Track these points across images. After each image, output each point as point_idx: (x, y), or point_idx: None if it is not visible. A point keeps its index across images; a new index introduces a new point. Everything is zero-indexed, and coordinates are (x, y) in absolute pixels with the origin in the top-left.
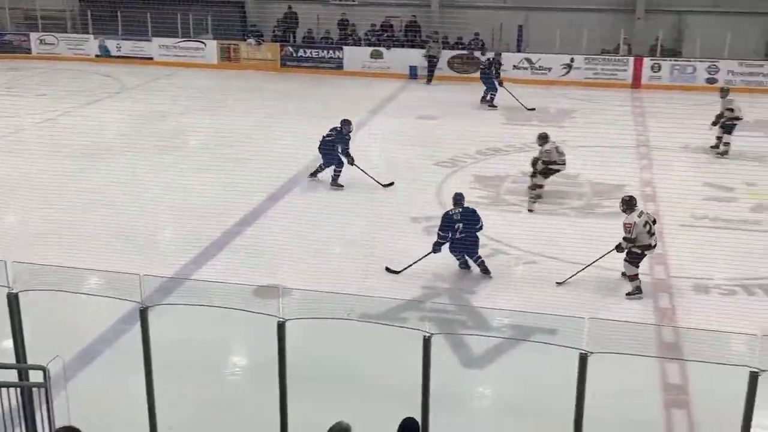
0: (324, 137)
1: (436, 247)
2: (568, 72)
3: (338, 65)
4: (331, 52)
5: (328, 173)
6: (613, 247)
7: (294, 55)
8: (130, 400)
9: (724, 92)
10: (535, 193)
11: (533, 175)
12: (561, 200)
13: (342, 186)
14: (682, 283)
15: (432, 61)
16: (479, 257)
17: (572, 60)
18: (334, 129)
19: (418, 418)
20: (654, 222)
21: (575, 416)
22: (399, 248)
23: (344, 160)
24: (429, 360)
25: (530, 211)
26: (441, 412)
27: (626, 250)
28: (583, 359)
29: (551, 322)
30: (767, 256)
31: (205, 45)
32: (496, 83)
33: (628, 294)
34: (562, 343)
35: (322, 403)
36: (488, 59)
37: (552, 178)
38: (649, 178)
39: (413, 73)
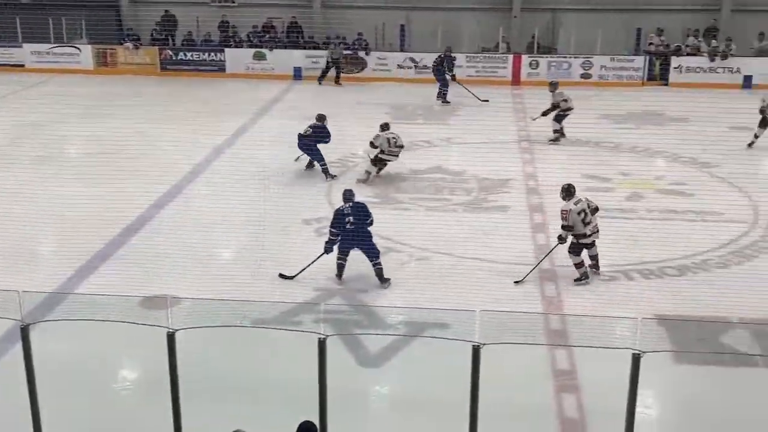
0: (300, 135)
1: (328, 246)
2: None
3: (220, 68)
4: (212, 54)
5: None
6: (557, 240)
7: (174, 58)
8: (16, 423)
9: (553, 86)
10: (363, 178)
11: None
12: (449, 197)
13: (335, 176)
14: (566, 271)
15: (336, 63)
16: (378, 263)
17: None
18: (311, 126)
19: (316, 421)
20: (594, 211)
21: (470, 407)
22: (291, 251)
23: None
24: (325, 362)
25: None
26: (339, 413)
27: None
28: (476, 351)
29: (444, 317)
30: (643, 243)
31: (80, 50)
32: (449, 78)
33: (575, 280)
34: (455, 337)
35: (218, 413)
36: (440, 56)
37: (438, 174)
38: (532, 172)
39: (298, 74)
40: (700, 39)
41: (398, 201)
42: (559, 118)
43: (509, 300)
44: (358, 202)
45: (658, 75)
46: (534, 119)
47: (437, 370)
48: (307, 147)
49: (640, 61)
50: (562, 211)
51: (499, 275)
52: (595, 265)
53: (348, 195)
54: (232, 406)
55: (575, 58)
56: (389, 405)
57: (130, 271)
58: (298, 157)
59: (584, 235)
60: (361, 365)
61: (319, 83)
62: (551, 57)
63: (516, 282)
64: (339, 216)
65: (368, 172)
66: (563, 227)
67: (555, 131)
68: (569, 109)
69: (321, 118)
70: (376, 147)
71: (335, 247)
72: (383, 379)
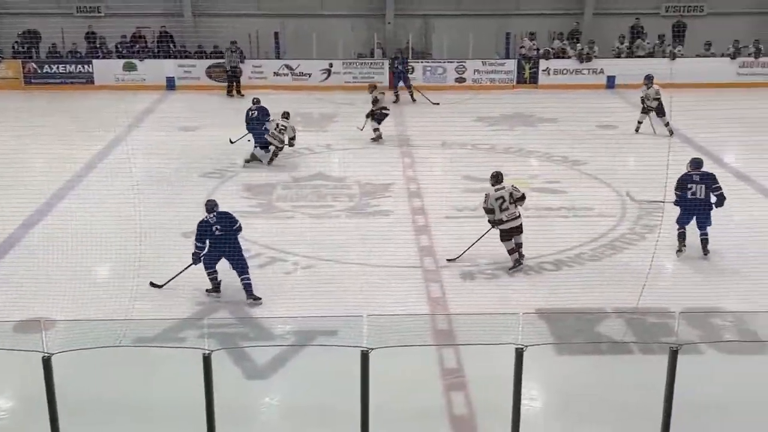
0: (248, 111)
1: (195, 258)
2: (328, 77)
3: (88, 79)
4: (79, 66)
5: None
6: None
7: (39, 71)
8: None
9: (371, 88)
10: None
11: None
12: (332, 203)
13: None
14: (450, 271)
15: (234, 72)
16: (247, 278)
17: (331, 65)
18: (257, 108)
19: None
20: (519, 200)
21: (362, 413)
22: (170, 265)
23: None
24: (210, 377)
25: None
26: (228, 427)
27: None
28: (365, 356)
29: (332, 324)
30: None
31: None
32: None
33: (510, 269)
34: (343, 344)
35: None
36: (393, 58)
37: (319, 181)
38: (413, 175)
39: (171, 84)
40: (565, 42)
41: (281, 209)
42: (379, 118)
43: (396, 304)
44: (222, 211)
45: (528, 78)
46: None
47: (327, 377)
48: (254, 129)
49: (511, 64)
50: (485, 194)
51: (385, 279)
52: (521, 255)
53: (210, 206)
54: (116, 428)
55: (449, 62)
56: (279, 416)
57: (1, 295)
58: (238, 139)
59: (501, 221)
60: (248, 378)
61: (238, 94)
62: (426, 62)
63: (449, 260)
64: (203, 226)
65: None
66: (484, 209)
67: (374, 128)
68: (385, 108)
69: (257, 101)
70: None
71: (203, 262)
72: (272, 390)
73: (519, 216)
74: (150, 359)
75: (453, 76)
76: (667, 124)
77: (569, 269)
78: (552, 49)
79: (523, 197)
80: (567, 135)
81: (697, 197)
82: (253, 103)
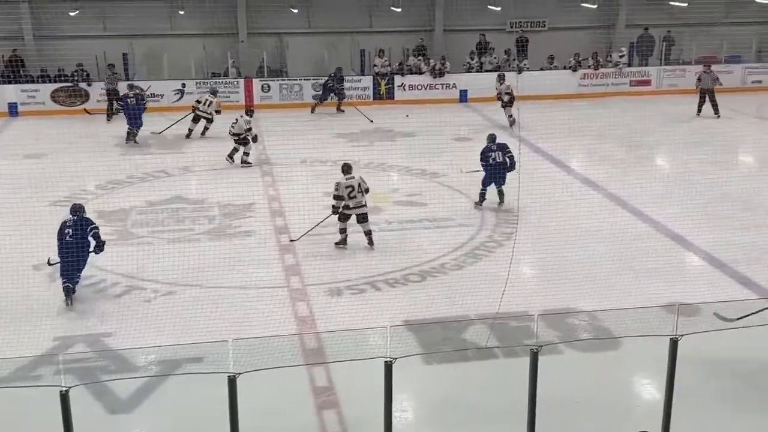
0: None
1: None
2: (181, 97)
3: None
4: None
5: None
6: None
7: None
8: None
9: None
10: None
11: None
12: (191, 226)
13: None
14: (317, 289)
15: (110, 94)
16: (67, 283)
17: (183, 85)
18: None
19: None
20: (365, 191)
21: None
22: (20, 299)
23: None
24: (69, 415)
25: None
26: None
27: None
28: (232, 381)
29: (197, 351)
30: (386, 253)
31: None
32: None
33: (336, 243)
34: (209, 370)
35: None
36: (331, 75)
37: (177, 205)
38: (274, 194)
39: (13, 110)
40: (419, 58)
41: (137, 236)
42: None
43: (262, 326)
44: (83, 217)
45: (385, 93)
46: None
47: (195, 405)
48: (133, 113)
49: (367, 80)
50: (336, 183)
51: (251, 301)
52: (370, 241)
53: (74, 209)
54: None
55: (305, 80)
56: None
57: None
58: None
59: (347, 206)
60: (112, 413)
61: (108, 119)
62: (282, 80)
63: (292, 240)
64: (61, 228)
65: None
66: (333, 196)
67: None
68: (208, 120)
69: (132, 87)
70: None
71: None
72: (138, 423)
73: (365, 205)
74: (3, 401)
75: (311, 93)
76: (510, 116)
77: (434, 279)
78: (408, 65)
79: (368, 190)
80: (425, 148)
81: (497, 162)
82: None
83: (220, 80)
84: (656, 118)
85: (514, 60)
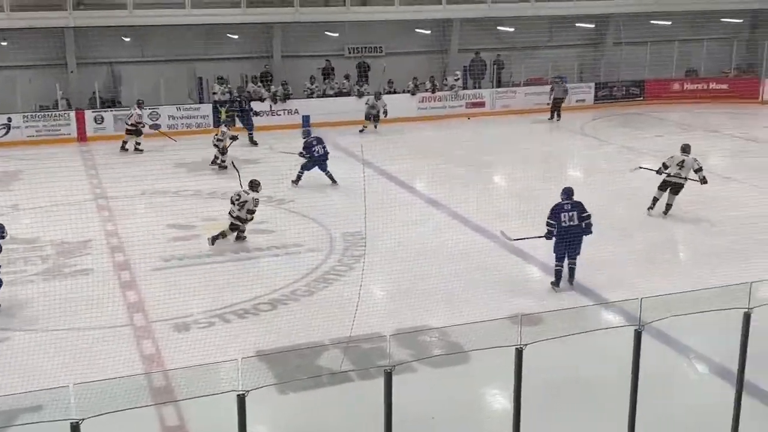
0: None
1: None
2: (7, 132)
3: None
4: None
5: None
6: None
7: None
8: None
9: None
10: None
11: None
12: (24, 267)
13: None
14: (163, 326)
15: None
16: None
17: (10, 119)
18: None
19: None
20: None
21: None
22: None
23: None
24: None
25: None
26: None
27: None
28: (75, 428)
29: (36, 399)
30: (234, 283)
31: None
32: (252, 121)
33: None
34: (50, 419)
35: None
36: (236, 100)
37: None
38: (113, 230)
39: None
40: (259, 84)
41: None
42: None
43: (106, 368)
44: None
45: (225, 121)
46: None
47: None
48: None
49: (206, 108)
50: (253, 199)
51: (92, 342)
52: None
53: None
54: None
55: (143, 109)
56: None
57: None
58: None
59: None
60: None
61: None
62: (116, 110)
63: (210, 240)
64: None
65: None
66: (247, 211)
67: None
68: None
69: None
70: None
71: None
72: None
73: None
74: None
75: (148, 123)
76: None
77: (285, 307)
78: (248, 92)
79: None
80: (271, 175)
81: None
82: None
83: (49, 113)
84: (493, 137)
85: (355, 85)
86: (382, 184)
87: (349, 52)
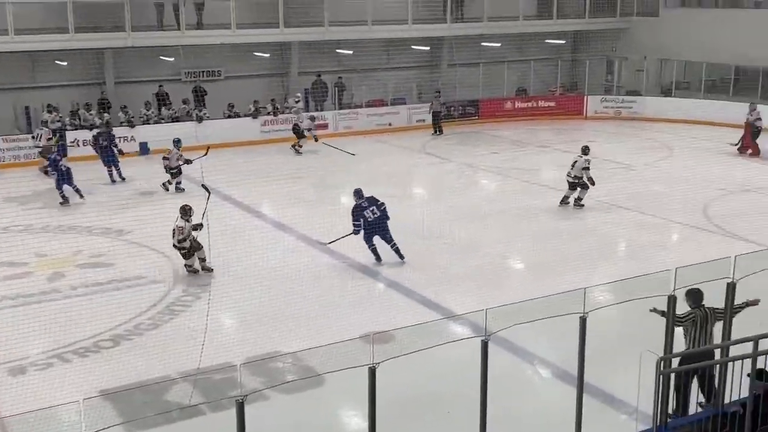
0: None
1: None
2: None
3: None
4: None
5: None
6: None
7: None
8: None
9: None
10: None
11: None
12: None
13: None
14: None
15: None
16: None
17: None
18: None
19: None
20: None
21: None
22: None
23: None
24: None
25: None
26: None
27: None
28: None
29: None
30: (74, 321)
31: None
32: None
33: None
34: None
35: None
36: (99, 133)
37: None
38: None
39: None
40: (92, 112)
41: None
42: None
43: None
44: None
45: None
46: None
47: None
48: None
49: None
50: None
51: None
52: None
53: None
54: None
55: None
56: None
57: None
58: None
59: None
60: None
61: None
62: None
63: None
64: None
65: None
66: (181, 239)
67: None
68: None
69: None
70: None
71: None
72: None
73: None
74: None
75: None
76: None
77: (129, 342)
78: (80, 119)
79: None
80: (105, 206)
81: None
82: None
83: None
84: (337, 158)
85: (193, 109)
86: (226, 210)
87: (186, 77)
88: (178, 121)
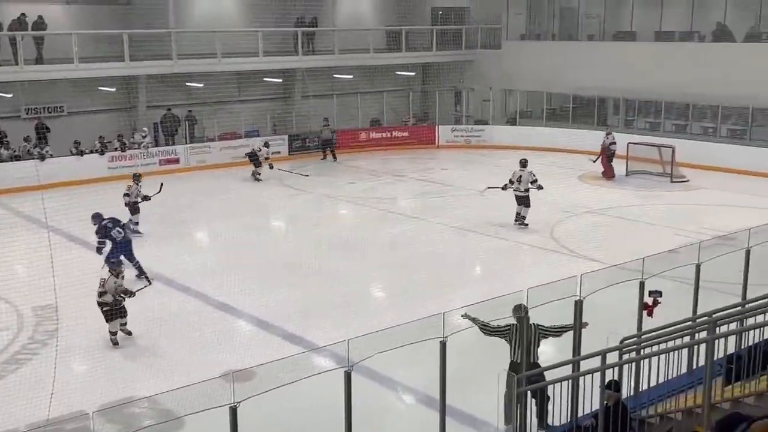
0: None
1: None
2: None
3: None
4: None
5: None
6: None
7: None
8: None
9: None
10: None
11: None
12: None
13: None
14: None
15: None
16: None
17: None
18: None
19: None
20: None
21: None
22: None
23: None
24: None
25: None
26: None
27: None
28: None
29: None
30: None
31: None
32: None
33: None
34: None
35: None
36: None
37: None
38: None
39: None
40: None
41: None
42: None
43: None
44: None
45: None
46: None
47: None
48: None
49: None
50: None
51: None
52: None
53: None
54: None
55: None
56: None
57: None
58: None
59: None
60: None
61: None
62: None
63: None
64: None
65: None
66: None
67: None
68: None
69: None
70: None
71: None
72: None
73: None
74: None
75: None
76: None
77: None
78: None
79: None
80: None
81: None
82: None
83: None
84: (191, 193)
85: (35, 147)
86: (75, 251)
87: (27, 113)
88: (18, 159)
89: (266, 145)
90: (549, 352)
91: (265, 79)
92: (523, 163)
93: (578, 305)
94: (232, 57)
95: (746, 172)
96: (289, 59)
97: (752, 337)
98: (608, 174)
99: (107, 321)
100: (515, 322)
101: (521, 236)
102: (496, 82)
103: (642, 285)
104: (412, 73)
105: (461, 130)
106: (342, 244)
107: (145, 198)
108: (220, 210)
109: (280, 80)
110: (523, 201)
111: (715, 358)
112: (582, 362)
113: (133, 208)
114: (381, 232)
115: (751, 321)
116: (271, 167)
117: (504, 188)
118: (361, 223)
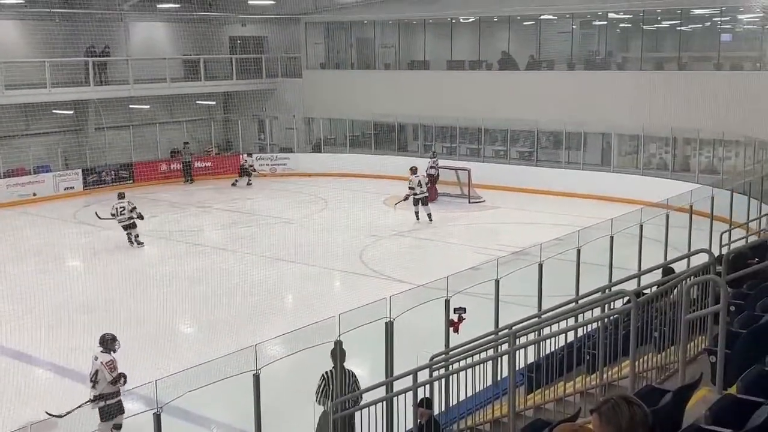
0: None
1: None
2: None
3: None
4: None
5: None
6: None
7: None
8: None
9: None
10: None
11: None
12: None
13: None
14: None
15: None
16: None
17: None
18: None
19: None
20: None
21: None
22: None
23: None
24: None
25: None
26: None
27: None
28: None
29: None
30: None
31: None
32: None
33: None
34: None
35: None
36: None
37: None
38: None
39: None
40: None
41: None
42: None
43: None
44: None
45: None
46: None
47: None
48: None
49: None
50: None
51: None
52: None
53: None
54: None
55: None
56: None
57: None
58: None
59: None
60: None
61: None
62: None
63: None
64: None
65: None
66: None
67: None
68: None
69: None
70: None
71: None
72: None
73: None
74: None
75: None
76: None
77: None
78: None
79: None
80: None
81: None
82: None
83: None
84: None
85: None
86: None
87: None
88: None
89: (249, 155)
90: (362, 375)
91: (54, 111)
92: (414, 170)
93: (389, 326)
94: (17, 89)
95: (535, 191)
96: (79, 90)
97: (549, 346)
98: (431, 196)
99: (101, 419)
100: (329, 370)
101: (331, 262)
102: (298, 109)
103: (447, 303)
104: (213, 102)
105: (266, 158)
106: (147, 281)
107: (140, 216)
108: (13, 251)
109: (72, 112)
110: (424, 201)
111: (517, 368)
112: (395, 382)
113: (129, 224)
114: (187, 266)
115: (547, 330)
116: (254, 171)
117: (406, 198)
118: (166, 257)
